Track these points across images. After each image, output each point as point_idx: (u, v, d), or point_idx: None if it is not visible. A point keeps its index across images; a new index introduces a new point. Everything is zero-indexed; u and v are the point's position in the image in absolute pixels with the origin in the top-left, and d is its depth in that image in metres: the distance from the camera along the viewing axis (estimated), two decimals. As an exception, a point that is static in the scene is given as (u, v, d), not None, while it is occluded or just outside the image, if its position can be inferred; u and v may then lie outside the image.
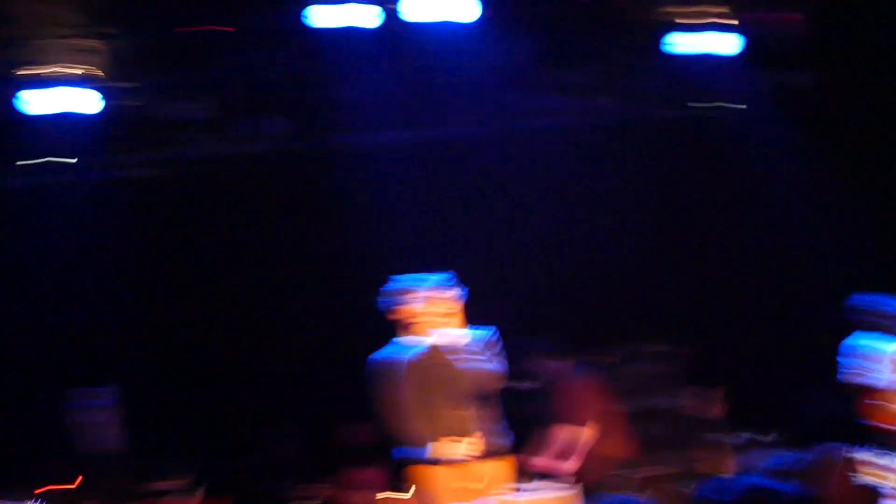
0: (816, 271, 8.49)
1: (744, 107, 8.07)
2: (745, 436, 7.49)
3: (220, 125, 7.54)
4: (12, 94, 6.68)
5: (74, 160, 7.18)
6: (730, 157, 8.51)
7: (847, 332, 7.89)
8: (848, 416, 7.00)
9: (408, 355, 5.36)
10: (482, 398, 5.24)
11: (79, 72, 6.63)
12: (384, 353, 5.38)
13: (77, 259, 7.79)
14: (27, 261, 7.81)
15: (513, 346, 5.50)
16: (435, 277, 5.38)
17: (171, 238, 8.24)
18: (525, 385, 7.57)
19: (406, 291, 5.33)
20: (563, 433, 6.81)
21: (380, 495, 7.37)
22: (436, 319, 5.27)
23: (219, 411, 7.94)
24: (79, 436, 6.55)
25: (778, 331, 8.58)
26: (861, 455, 2.63)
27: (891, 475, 2.57)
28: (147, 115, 7.39)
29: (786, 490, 1.85)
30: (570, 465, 6.55)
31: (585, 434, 6.61)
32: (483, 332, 5.41)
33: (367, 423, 7.91)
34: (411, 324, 5.32)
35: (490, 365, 5.26)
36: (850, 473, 2.46)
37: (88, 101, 6.76)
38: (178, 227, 8.23)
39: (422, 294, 5.34)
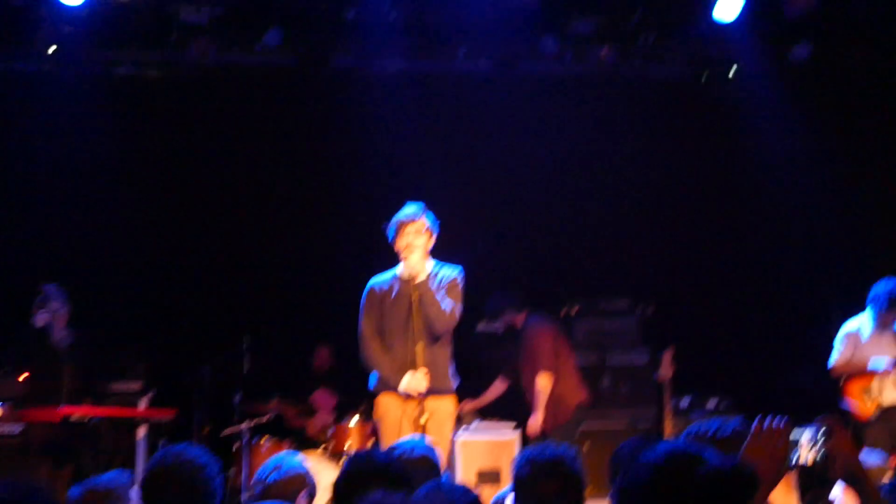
0: (795, 245, 8.57)
1: (738, 70, 7.99)
2: (689, 398, 7.62)
3: (218, 32, 7.40)
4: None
5: (52, 49, 7.00)
6: (722, 121, 8.49)
7: (824, 309, 8.07)
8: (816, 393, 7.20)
9: (376, 283, 5.42)
10: (434, 335, 5.27)
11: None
12: (376, 279, 5.44)
13: (52, 151, 7.74)
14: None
15: (476, 289, 5.54)
16: (408, 208, 5.38)
17: (152, 139, 8.19)
18: (482, 328, 7.71)
19: (395, 221, 5.34)
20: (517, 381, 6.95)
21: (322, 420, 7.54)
22: (404, 250, 5.27)
23: (176, 319, 7.99)
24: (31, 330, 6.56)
25: (749, 302, 8.69)
26: (802, 433, 2.64)
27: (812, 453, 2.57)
28: (141, 10, 7.25)
29: (705, 456, 1.90)
30: (535, 420, 6.67)
31: (542, 382, 6.73)
32: (449, 270, 5.43)
33: (328, 346, 8.07)
34: (398, 252, 5.35)
35: (447, 303, 5.27)
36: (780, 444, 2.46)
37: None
38: (161, 129, 8.18)
39: (394, 223, 5.35)
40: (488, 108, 8.25)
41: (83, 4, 6.77)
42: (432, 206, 5.51)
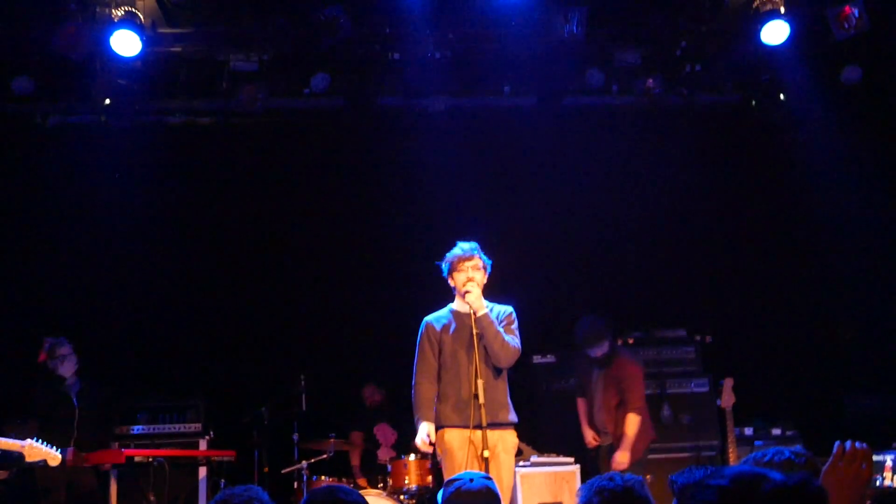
0: (853, 270, 8.41)
1: (788, 97, 7.91)
2: (753, 427, 7.48)
3: (267, 78, 7.56)
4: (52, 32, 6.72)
5: (107, 101, 7.22)
6: (773, 146, 8.41)
7: (886, 334, 7.89)
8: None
9: (433, 319, 5.44)
10: (496, 368, 5.27)
11: (120, 13, 6.65)
12: (431, 316, 5.49)
13: (108, 199, 7.94)
14: (58, 197, 7.95)
15: (530, 322, 5.52)
16: (463, 245, 5.42)
17: (205, 185, 8.35)
18: (538, 360, 7.66)
19: (451, 258, 5.39)
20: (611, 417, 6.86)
21: (387, 454, 7.54)
22: (464, 285, 5.31)
23: (235, 361, 8.09)
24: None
25: (809, 329, 8.53)
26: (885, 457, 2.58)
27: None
28: (193, 61, 7.44)
29: (771, 476, 1.87)
30: (623, 456, 6.62)
31: (634, 421, 6.68)
32: (502, 307, 5.46)
33: (373, 383, 8.10)
34: (454, 288, 5.39)
35: (509, 338, 5.28)
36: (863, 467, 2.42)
37: (128, 43, 6.77)
38: (214, 175, 8.34)
39: (450, 259, 5.39)
40: (535, 143, 8.28)
41: (136, 56, 6.96)
42: (482, 241, 5.54)
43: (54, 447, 5.62)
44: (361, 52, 7.56)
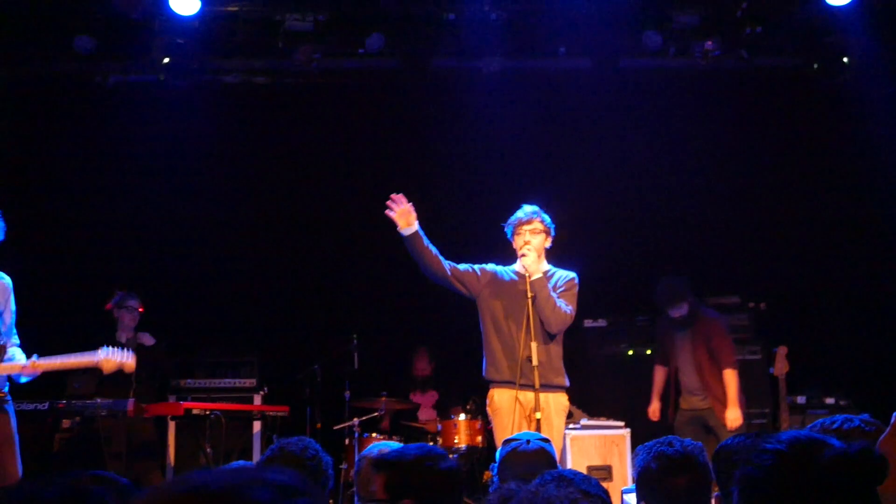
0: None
1: (853, 61, 7.70)
2: (806, 395, 7.42)
3: (323, 38, 7.58)
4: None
5: (165, 60, 7.30)
6: (835, 112, 8.21)
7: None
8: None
9: (498, 268, 5.47)
10: (548, 332, 5.28)
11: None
12: (498, 266, 5.52)
13: (166, 157, 8.06)
14: (118, 154, 8.10)
15: (582, 286, 5.51)
16: (526, 208, 5.43)
17: (261, 144, 8.44)
18: (589, 324, 7.65)
19: (513, 221, 5.42)
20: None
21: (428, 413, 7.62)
22: (521, 248, 5.33)
23: (289, 320, 8.22)
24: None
25: (865, 298, 8.39)
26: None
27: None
28: (249, 20, 7.49)
29: (830, 442, 1.86)
30: (735, 413, 6.59)
31: (732, 376, 6.65)
32: (565, 273, 5.46)
33: (427, 351, 8.15)
34: (516, 251, 5.40)
35: (562, 303, 5.28)
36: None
37: (187, 2, 6.86)
38: (269, 134, 8.42)
39: (512, 222, 5.42)
40: (590, 105, 8.20)
41: (194, 15, 7.03)
42: (536, 203, 5.51)
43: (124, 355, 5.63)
44: (417, 12, 7.54)
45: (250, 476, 1.25)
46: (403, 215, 5.28)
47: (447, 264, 5.34)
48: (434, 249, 5.32)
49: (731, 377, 6.62)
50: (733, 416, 6.54)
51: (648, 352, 7.87)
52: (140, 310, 7.02)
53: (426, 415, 7.90)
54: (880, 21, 7.45)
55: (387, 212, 5.27)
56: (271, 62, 7.93)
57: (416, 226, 5.28)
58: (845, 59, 7.67)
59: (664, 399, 7.01)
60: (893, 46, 7.62)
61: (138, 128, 8.02)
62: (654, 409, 6.98)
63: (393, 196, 5.29)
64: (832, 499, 1.82)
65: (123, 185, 8.13)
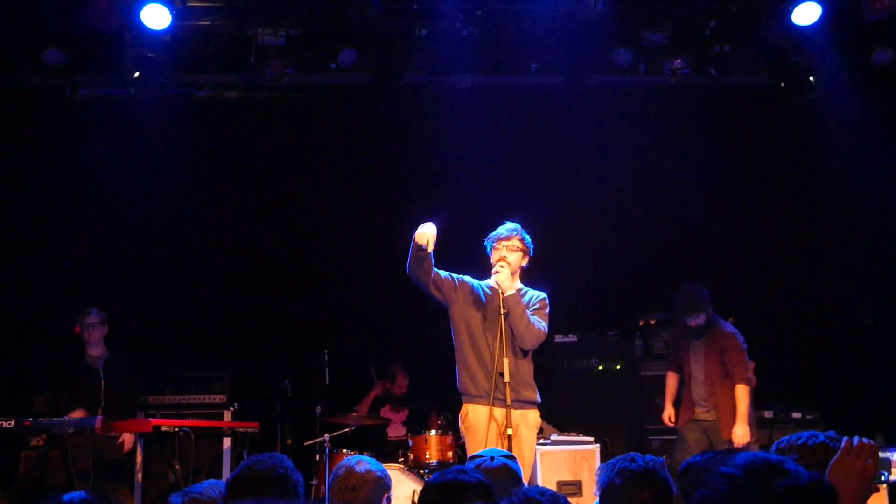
0: (880, 254, 8.35)
1: (818, 79, 7.82)
2: (773, 410, 7.49)
3: (295, 53, 7.58)
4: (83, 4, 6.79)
5: (136, 74, 7.28)
6: (802, 128, 8.33)
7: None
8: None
9: (474, 281, 5.48)
10: (521, 349, 5.30)
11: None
12: (477, 280, 5.52)
13: (135, 172, 8.02)
14: (86, 168, 8.04)
15: (557, 298, 5.54)
16: (507, 225, 5.47)
17: (232, 159, 8.42)
18: (559, 339, 7.69)
19: (493, 237, 5.45)
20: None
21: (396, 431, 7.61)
22: (496, 263, 5.36)
23: (260, 335, 8.19)
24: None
25: (832, 313, 8.50)
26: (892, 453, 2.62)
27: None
28: (221, 35, 7.48)
29: (786, 468, 1.89)
30: (743, 430, 6.54)
31: (744, 393, 6.61)
32: (537, 293, 5.48)
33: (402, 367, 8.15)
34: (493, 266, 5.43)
35: (536, 320, 5.30)
36: (868, 462, 2.46)
37: (158, 16, 6.85)
38: (241, 149, 8.40)
39: (491, 239, 5.47)
40: (561, 121, 8.25)
41: (165, 30, 7.01)
42: (506, 219, 5.54)
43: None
44: (389, 28, 7.57)
45: None
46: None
47: (433, 271, 5.36)
48: (431, 260, 5.32)
49: (742, 393, 6.54)
50: (741, 433, 6.46)
51: (618, 367, 7.92)
52: (101, 325, 6.89)
53: (396, 431, 7.89)
54: (845, 41, 7.57)
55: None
56: (243, 76, 7.93)
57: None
58: (811, 78, 7.79)
59: (675, 404, 6.97)
60: (858, 66, 7.75)
61: (108, 142, 7.97)
62: (670, 415, 6.91)
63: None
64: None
65: (92, 199, 8.06)
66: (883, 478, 2.51)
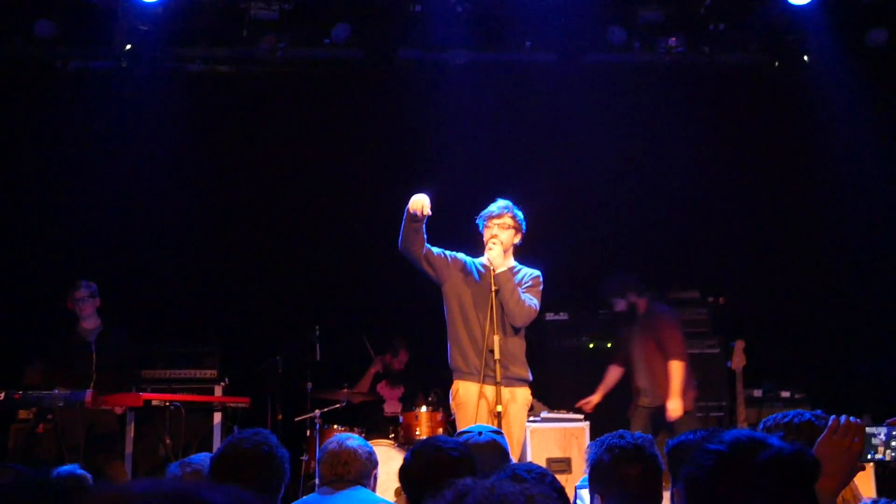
0: (870, 234, 8.37)
1: (813, 59, 7.81)
2: (763, 389, 7.55)
3: (288, 27, 7.53)
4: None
5: (127, 47, 7.22)
6: (795, 108, 8.32)
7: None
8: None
9: (468, 258, 5.48)
10: (512, 326, 5.31)
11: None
12: (470, 257, 5.54)
13: (127, 145, 7.99)
14: (77, 141, 8.00)
15: (545, 279, 5.54)
16: (499, 202, 5.46)
17: (224, 133, 8.38)
18: (550, 317, 7.71)
19: (484, 215, 5.44)
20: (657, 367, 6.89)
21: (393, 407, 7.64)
22: (488, 241, 5.36)
23: (251, 310, 8.18)
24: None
25: (823, 293, 8.52)
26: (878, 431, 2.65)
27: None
28: (214, 8, 7.43)
29: (769, 442, 1.92)
30: (676, 404, 6.65)
31: (677, 368, 6.71)
32: (531, 270, 5.49)
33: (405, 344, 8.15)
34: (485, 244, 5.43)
35: (527, 297, 5.31)
36: (854, 441, 2.49)
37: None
38: (232, 123, 8.36)
39: (483, 216, 5.46)
40: (556, 99, 8.23)
41: (158, 2, 6.95)
42: (501, 196, 5.54)
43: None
44: (383, 3, 7.54)
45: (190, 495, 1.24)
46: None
47: (425, 245, 5.36)
48: (424, 232, 5.31)
49: (676, 368, 6.67)
50: (673, 407, 6.60)
51: (609, 345, 7.95)
52: (91, 299, 6.87)
53: (393, 408, 7.90)
54: (839, 21, 7.56)
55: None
56: (236, 51, 7.87)
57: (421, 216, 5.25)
58: (805, 58, 7.78)
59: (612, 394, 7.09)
60: (852, 46, 7.73)
61: (99, 115, 7.92)
62: (590, 402, 7.01)
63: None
64: (769, 498, 1.89)
65: (82, 172, 8.03)
66: (869, 456, 2.53)
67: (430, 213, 5.18)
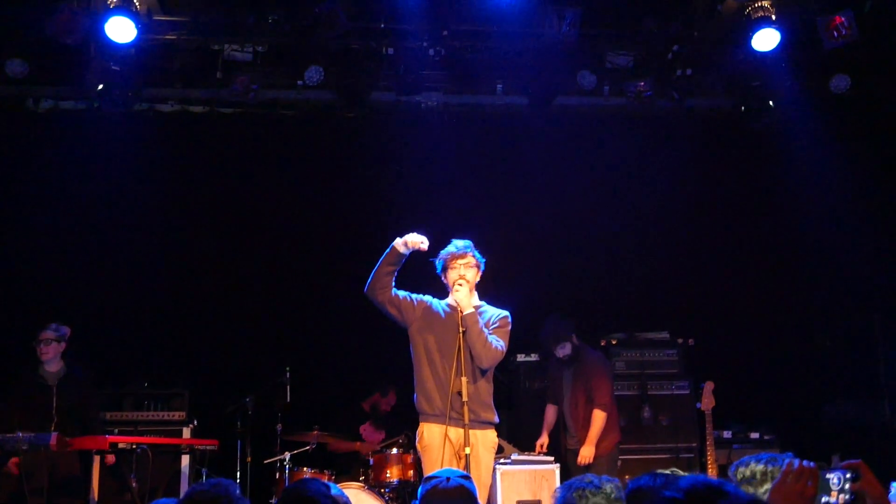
0: (837, 278, 8.48)
1: (778, 104, 7.95)
2: (731, 430, 7.59)
3: (261, 69, 7.58)
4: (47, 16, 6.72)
5: (100, 87, 7.23)
6: (761, 152, 8.48)
7: (866, 342, 7.96)
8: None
9: (433, 300, 5.46)
10: (479, 368, 5.30)
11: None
12: (435, 299, 5.50)
13: (96, 186, 7.95)
14: (48, 182, 7.96)
15: (515, 321, 5.55)
16: (458, 242, 5.45)
17: (196, 174, 8.38)
18: (521, 359, 7.73)
19: (445, 255, 5.43)
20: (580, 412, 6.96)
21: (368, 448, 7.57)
22: (455, 282, 5.32)
23: (220, 351, 8.12)
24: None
25: (790, 335, 8.61)
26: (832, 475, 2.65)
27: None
28: (187, 50, 7.46)
29: (726, 489, 1.93)
30: (589, 450, 6.79)
31: (600, 417, 6.85)
32: (498, 311, 5.46)
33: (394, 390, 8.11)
34: (447, 285, 5.42)
35: (494, 339, 5.29)
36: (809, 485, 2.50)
37: (123, 30, 6.74)
38: (205, 164, 8.36)
39: (444, 256, 5.43)
40: (527, 142, 8.33)
41: (131, 43, 6.97)
42: (471, 238, 5.55)
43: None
44: (356, 46, 7.60)
45: None
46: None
47: (392, 289, 5.35)
48: (394, 276, 5.32)
49: (597, 416, 6.87)
50: (584, 453, 6.78)
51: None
52: (56, 342, 6.79)
53: (367, 448, 7.80)
54: (803, 68, 7.72)
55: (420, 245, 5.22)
56: (209, 91, 7.90)
57: (407, 252, 5.26)
58: (771, 103, 7.92)
59: (552, 436, 7.17)
60: (815, 92, 7.90)
61: (70, 155, 7.91)
62: (542, 442, 7.09)
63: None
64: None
65: (53, 212, 7.98)
66: (823, 500, 2.54)
67: (425, 248, 5.20)
